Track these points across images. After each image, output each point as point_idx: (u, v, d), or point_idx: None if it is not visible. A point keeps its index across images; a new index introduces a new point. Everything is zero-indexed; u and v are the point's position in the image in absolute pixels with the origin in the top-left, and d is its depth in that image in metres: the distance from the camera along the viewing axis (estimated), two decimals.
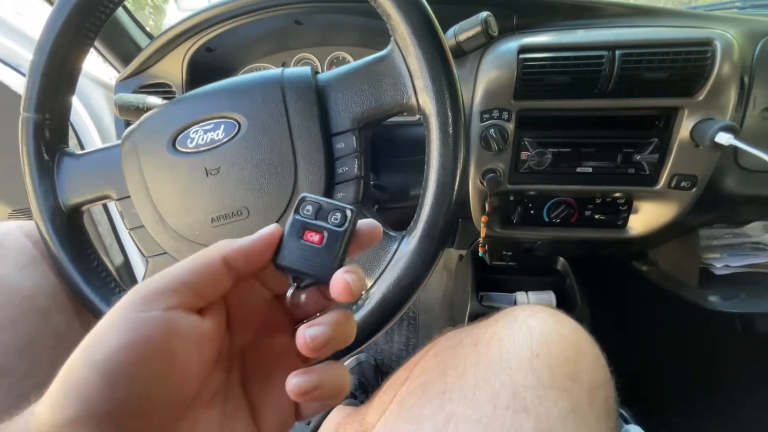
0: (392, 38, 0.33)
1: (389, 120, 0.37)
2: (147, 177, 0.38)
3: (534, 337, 0.32)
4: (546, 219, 0.61)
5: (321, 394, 0.20)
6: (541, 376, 0.29)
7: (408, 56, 0.32)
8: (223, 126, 0.36)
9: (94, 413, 0.16)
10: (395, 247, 0.33)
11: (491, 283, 0.83)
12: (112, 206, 0.76)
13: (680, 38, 0.47)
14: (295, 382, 0.19)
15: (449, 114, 0.31)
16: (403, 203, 0.62)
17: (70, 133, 0.46)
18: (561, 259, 0.85)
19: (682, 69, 0.47)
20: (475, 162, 0.55)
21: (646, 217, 0.58)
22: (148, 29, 0.74)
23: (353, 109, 0.35)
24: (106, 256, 0.77)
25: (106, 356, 0.17)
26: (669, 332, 0.93)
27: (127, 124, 0.62)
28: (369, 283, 0.33)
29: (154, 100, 0.48)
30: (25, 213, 0.77)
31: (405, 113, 0.37)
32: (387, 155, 0.60)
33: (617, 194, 0.58)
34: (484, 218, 0.59)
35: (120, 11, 0.67)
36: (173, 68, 0.62)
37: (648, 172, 0.54)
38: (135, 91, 0.64)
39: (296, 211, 0.22)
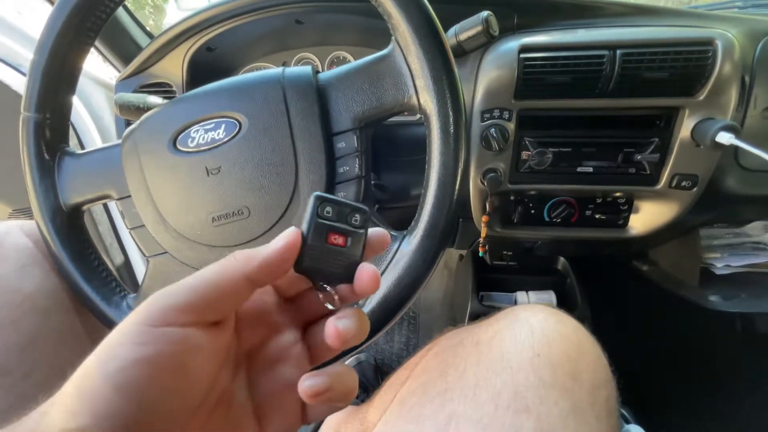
0: (393, 37, 0.33)
1: (390, 120, 0.36)
2: (148, 176, 0.38)
3: (535, 336, 0.32)
4: (546, 219, 0.61)
5: (332, 396, 0.20)
6: (542, 375, 0.28)
7: (409, 55, 0.32)
8: (223, 125, 0.36)
9: (103, 425, 0.16)
10: (396, 246, 0.33)
11: (492, 283, 0.83)
12: (113, 206, 0.76)
13: (681, 38, 0.47)
14: (308, 383, 0.19)
15: (450, 113, 0.31)
16: (403, 203, 0.62)
17: (71, 132, 0.46)
18: (561, 258, 0.85)
19: (682, 68, 0.47)
20: (475, 162, 0.55)
21: (647, 216, 0.58)
22: (148, 29, 0.74)
23: (354, 108, 0.35)
24: (107, 256, 0.77)
25: (119, 369, 0.17)
26: (669, 332, 0.93)
27: (128, 123, 0.62)
28: None
29: (155, 99, 0.48)
30: (25, 212, 0.77)
31: (406, 113, 0.37)
32: (387, 155, 0.60)
33: (618, 194, 0.58)
34: (484, 218, 0.59)
35: (120, 11, 0.67)
36: (173, 68, 0.62)
37: (649, 172, 0.54)
38: (135, 91, 0.64)
39: (318, 215, 0.21)
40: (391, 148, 0.61)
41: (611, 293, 0.98)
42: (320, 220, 0.21)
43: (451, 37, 0.45)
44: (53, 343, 0.41)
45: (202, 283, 0.19)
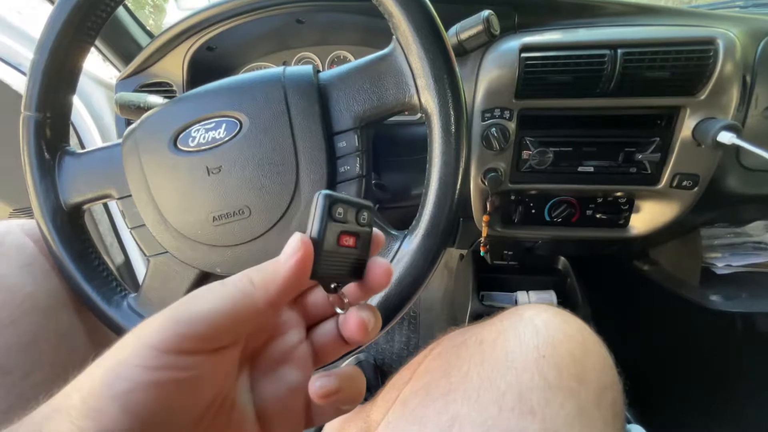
0: (394, 37, 0.33)
1: (390, 119, 0.36)
2: (148, 176, 0.38)
3: (540, 337, 0.31)
4: (547, 218, 0.61)
5: (341, 397, 0.20)
6: (547, 377, 0.28)
7: (410, 55, 0.32)
8: (224, 125, 0.36)
9: None
10: (397, 246, 0.33)
11: (492, 283, 0.83)
12: (113, 205, 0.76)
13: (682, 37, 0.47)
14: (319, 384, 0.19)
15: (451, 113, 0.31)
16: (404, 202, 0.62)
17: (71, 132, 0.46)
18: (562, 258, 0.85)
19: (684, 68, 0.47)
20: (476, 161, 0.55)
21: (648, 216, 0.58)
22: (148, 28, 0.74)
23: (355, 107, 0.35)
24: (107, 256, 0.77)
25: (128, 390, 0.16)
26: (670, 331, 0.93)
27: (128, 123, 0.62)
28: None
29: (155, 99, 0.48)
30: (26, 212, 0.77)
31: (406, 112, 0.37)
32: (388, 154, 0.60)
33: (619, 193, 0.57)
34: (485, 218, 0.59)
35: (120, 10, 0.67)
36: (174, 67, 0.62)
37: (650, 172, 0.54)
38: (136, 90, 0.64)
39: (331, 217, 0.20)
40: (392, 147, 0.61)
41: (612, 293, 0.98)
42: (333, 222, 0.20)
43: (452, 36, 0.45)
44: (54, 342, 0.40)
45: (220, 315, 0.18)
